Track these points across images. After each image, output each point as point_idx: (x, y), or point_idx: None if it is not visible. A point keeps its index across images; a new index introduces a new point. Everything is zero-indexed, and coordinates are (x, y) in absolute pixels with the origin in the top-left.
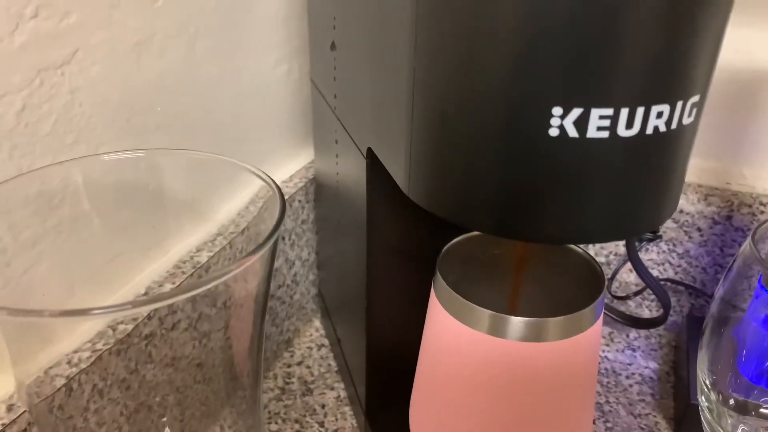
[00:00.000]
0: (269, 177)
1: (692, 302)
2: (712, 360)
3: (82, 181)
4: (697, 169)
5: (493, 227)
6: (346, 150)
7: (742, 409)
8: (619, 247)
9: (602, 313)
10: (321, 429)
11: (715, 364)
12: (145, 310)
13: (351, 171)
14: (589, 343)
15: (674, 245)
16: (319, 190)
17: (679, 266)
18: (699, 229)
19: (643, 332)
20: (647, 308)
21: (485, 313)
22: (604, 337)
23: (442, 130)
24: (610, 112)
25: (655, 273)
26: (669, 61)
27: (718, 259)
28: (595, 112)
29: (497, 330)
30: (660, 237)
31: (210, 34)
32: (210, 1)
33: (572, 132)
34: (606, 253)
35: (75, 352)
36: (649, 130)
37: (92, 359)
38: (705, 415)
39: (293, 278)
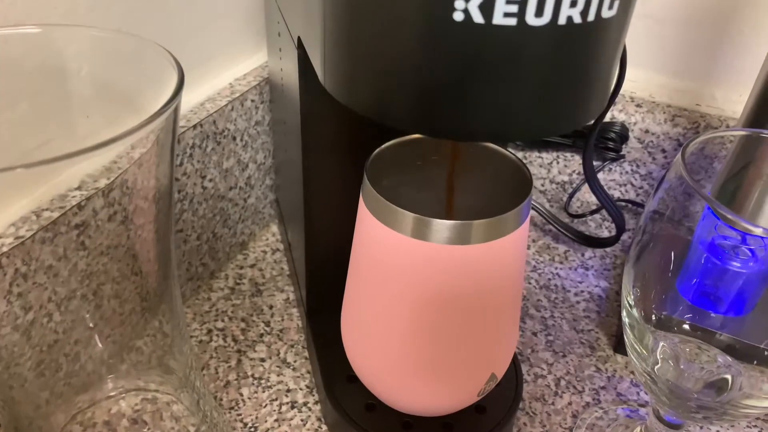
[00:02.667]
0: (170, 53)
1: None
2: (638, 276)
3: None
4: (667, 88)
5: (405, 121)
6: (286, 42)
7: (664, 326)
8: None
9: (528, 217)
10: (266, 328)
11: (640, 281)
12: (15, 176)
13: (289, 66)
14: (513, 246)
15: (637, 166)
16: (272, 90)
17: (641, 188)
18: (663, 151)
19: (598, 252)
20: (607, 229)
21: (409, 216)
22: (558, 255)
23: (352, 17)
24: None
25: (616, 194)
26: None
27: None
28: None
29: (422, 233)
30: (623, 157)
31: None
32: None
33: (477, 17)
34: (569, 171)
35: None
36: (562, 20)
37: (14, 244)
38: (627, 332)
39: (246, 181)
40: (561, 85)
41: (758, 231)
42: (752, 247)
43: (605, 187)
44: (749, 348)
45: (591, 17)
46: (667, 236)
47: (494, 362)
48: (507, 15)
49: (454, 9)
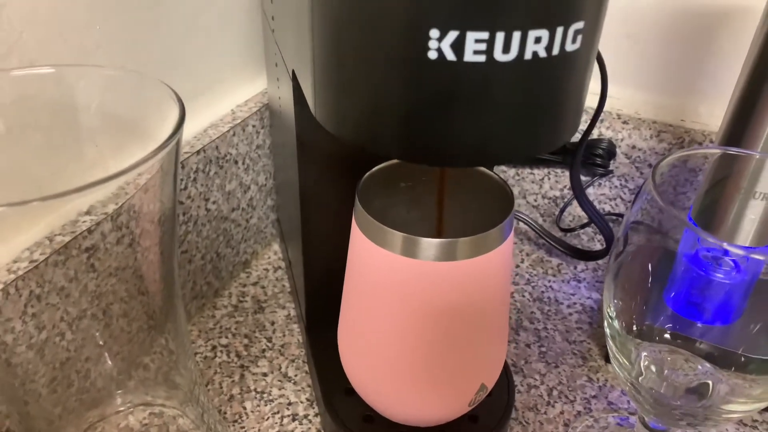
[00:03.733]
0: (173, 90)
1: None
2: (618, 288)
3: (4, 98)
4: (652, 105)
5: (392, 150)
6: (282, 73)
7: (646, 336)
8: None
9: (512, 234)
10: (269, 344)
11: (620, 292)
12: (31, 208)
13: (286, 95)
14: (497, 261)
15: (626, 181)
16: (272, 115)
17: (630, 201)
18: (650, 165)
19: (591, 265)
20: (599, 242)
21: (398, 236)
22: (551, 268)
23: (337, 54)
24: (485, 35)
25: (607, 208)
26: None
27: (670, 197)
28: (471, 36)
29: (410, 251)
30: (611, 172)
31: None
32: None
33: (450, 55)
34: (560, 187)
35: (15, 261)
36: (528, 56)
37: (29, 268)
38: (609, 342)
39: (249, 202)
40: (531, 113)
41: (735, 249)
42: (735, 258)
43: (596, 201)
44: (727, 354)
45: (555, 51)
46: (645, 247)
47: (484, 373)
48: (476, 52)
49: (428, 48)
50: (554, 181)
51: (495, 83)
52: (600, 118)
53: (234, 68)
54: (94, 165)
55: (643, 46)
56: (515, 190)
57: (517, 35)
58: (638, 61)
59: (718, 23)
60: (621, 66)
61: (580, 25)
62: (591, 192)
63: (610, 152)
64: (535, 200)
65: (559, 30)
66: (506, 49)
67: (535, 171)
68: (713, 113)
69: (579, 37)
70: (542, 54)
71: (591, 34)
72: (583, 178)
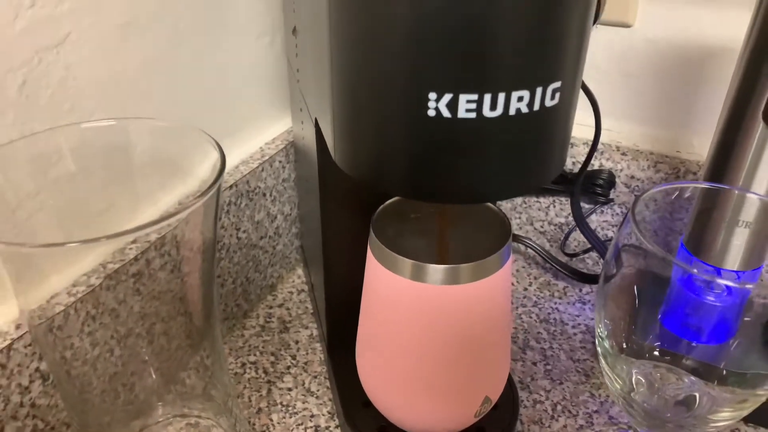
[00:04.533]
0: (213, 138)
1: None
2: (607, 309)
3: (70, 144)
4: (649, 137)
5: (400, 190)
6: (306, 117)
7: (635, 353)
8: None
9: (510, 260)
10: (293, 361)
11: (610, 313)
12: (106, 249)
13: (309, 136)
14: (497, 284)
15: (626, 208)
16: (297, 151)
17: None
18: None
19: (595, 287)
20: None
21: (408, 263)
22: (558, 291)
23: (353, 109)
24: (475, 97)
25: (609, 234)
26: (525, 55)
27: (668, 223)
28: (463, 97)
29: (419, 276)
30: (612, 200)
31: (193, 13)
32: None
33: (446, 113)
34: (565, 214)
35: (73, 285)
36: (512, 112)
37: (86, 291)
38: (601, 361)
39: (275, 230)
40: (518, 158)
41: (727, 278)
42: (726, 282)
43: (599, 228)
44: (711, 369)
45: (536, 107)
46: (632, 270)
47: (488, 386)
48: (468, 110)
49: (427, 108)
50: (559, 209)
51: (484, 135)
52: (600, 150)
53: (262, 111)
54: (144, 198)
55: (639, 83)
56: (523, 217)
57: (502, 95)
58: (635, 97)
59: (705, 62)
60: (619, 101)
61: (557, 84)
62: (594, 219)
63: (610, 182)
64: (542, 226)
65: (539, 90)
66: (493, 107)
67: (541, 199)
68: (705, 145)
69: (557, 94)
70: (525, 110)
71: (569, 90)
72: (586, 206)
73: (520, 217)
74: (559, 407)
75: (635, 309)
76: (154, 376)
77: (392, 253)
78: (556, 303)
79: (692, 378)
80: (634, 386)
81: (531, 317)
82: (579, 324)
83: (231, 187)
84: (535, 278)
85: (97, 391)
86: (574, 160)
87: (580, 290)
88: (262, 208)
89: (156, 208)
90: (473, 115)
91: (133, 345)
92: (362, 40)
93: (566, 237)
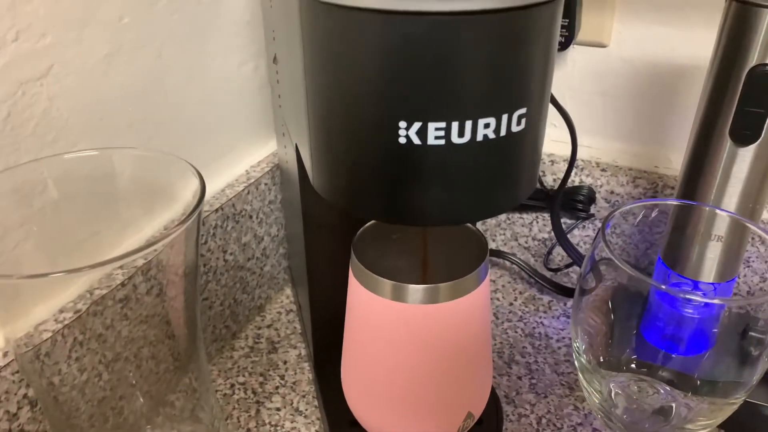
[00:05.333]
0: (192, 166)
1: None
2: (583, 323)
3: (54, 174)
4: (628, 153)
5: (374, 214)
6: (289, 142)
7: (612, 367)
8: None
9: (488, 277)
10: (282, 381)
11: (585, 327)
12: (91, 276)
13: (292, 160)
14: (476, 302)
15: None
16: (282, 174)
17: (610, 242)
18: None
19: None
20: None
21: (388, 283)
22: (543, 305)
23: (328, 137)
24: (443, 125)
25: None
26: (490, 85)
27: (647, 237)
28: (432, 125)
29: (398, 296)
30: (593, 216)
31: (176, 42)
32: (174, 14)
33: (416, 140)
34: (548, 230)
35: (60, 312)
36: (479, 138)
37: (73, 318)
38: (579, 375)
39: (263, 252)
40: (487, 182)
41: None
42: (705, 293)
43: (581, 243)
44: (685, 379)
45: (503, 133)
46: (606, 284)
47: (470, 402)
48: (437, 137)
49: (398, 135)
50: (542, 225)
51: (454, 161)
52: (581, 166)
53: (248, 135)
54: (128, 225)
55: (616, 101)
56: (507, 233)
57: (469, 123)
58: (613, 114)
59: (677, 80)
60: (598, 119)
61: (523, 110)
62: (576, 234)
63: (591, 198)
64: (526, 242)
65: (504, 116)
66: (461, 134)
67: (525, 215)
68: (681, 161)
69: (523, 120)
70: (491, 136)
71: (535, 115)
72: (568, 221)
73: (504, 233)
74: (543, 420)
75: (611, 322)
76: (142, 400)
77: (372, 275)
78: (540, 317)
79: (668, 389)
80: (613, 399)
81: (516, 332)
82: (563, 338)
83: (216, 210)
84: (520, 293)
85: (85, 415)
86: (554, 176)
87: (565, 304)
88: (249, 230)
89: (141, 235)
90: (442, 142)
91: (120, 369)
92: (334, 72)
93: (549, 252)
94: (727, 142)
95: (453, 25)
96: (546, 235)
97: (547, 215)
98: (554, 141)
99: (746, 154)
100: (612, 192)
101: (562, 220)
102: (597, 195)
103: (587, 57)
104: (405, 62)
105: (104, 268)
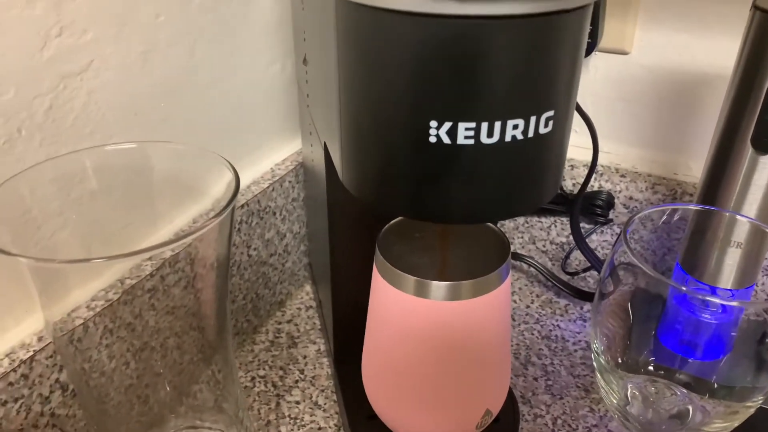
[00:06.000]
0: (227, 161)
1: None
2: (603, 325)
3: (93, 165)
4: (647, 160)
5: (403, 211)
6: (315, 140)
7: (630, 369)
8: None
9: (509, 277)
10: (301, 375)
11: (605, 329)
12: (124, 265)
13: (318, 158)
14: (497, 300)
15: None
16: (306, 172)
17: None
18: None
19: None
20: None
21: (411, 279)
22: (559, 309)
23: (360, 136)
24: (473, 125)
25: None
26: (520, 87)
27: (665, 242)
28: (462, 125)
29: (422, 292)
30: (611, 221)
31: (208, 41)
32: (207, 14)
33: (446, 139)
34: (566, 233)
35: (92, 300)
36: (508, 138)
37: (105, 306)
38: (597, 376)
39: (284, 248)
40: (513, 182)
41: (714, 299)
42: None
43: (599, 247)
44: (702, 383)
45: (531, 134)
46: (626, 287)
47: (488, 399)
48: (467, 137)
49: (429, 134)
50: (560, 229)
51: (482, 160)
52: (600, 172)
53: (273, 133)
54: (160, 217)
55: (636, 108)
56: (525, 237)
57: (498, 124)
58: (633, 121)
59: (698, 88)
60: (618, 125)
61: (550, 113)
62: (594, 239)
63: (609, 203)
64: (544, 246)
65: (533, 118)
66: (490, 134)
67: (543, 219)
68: (701, 167)
69: (551, 122)
70: (519, 137)
71: (562, 118)
72: (586, 226)
73: (522, 237)
74: (559, 421)
75: (630, 325)
76: (167, 389)
77: (397, 271)
78: (557, 320)
79: (685, 392)
80: (630, 400)
81: (533, 334)
82: (579, 341)
83: (242, 206)
84: (537, 296)
85: (113, 402)
86: (574, 181)
87: (581, 308)
88: (272, 227)
89: (173, 226)
90: (471, 141)
91: (147, 358)
92: (368, 72)
93: (567, 256)
94: (749, 150)
95: (485, 29)
96: (564, 239)
97: (564, 219)
98: (574, 146)
99: (767, 162)
100: (631, 198)
101: (581, 225)
102: (616, 200)
103: (609, 63)
104: (437, 64)
105: (141, 256)
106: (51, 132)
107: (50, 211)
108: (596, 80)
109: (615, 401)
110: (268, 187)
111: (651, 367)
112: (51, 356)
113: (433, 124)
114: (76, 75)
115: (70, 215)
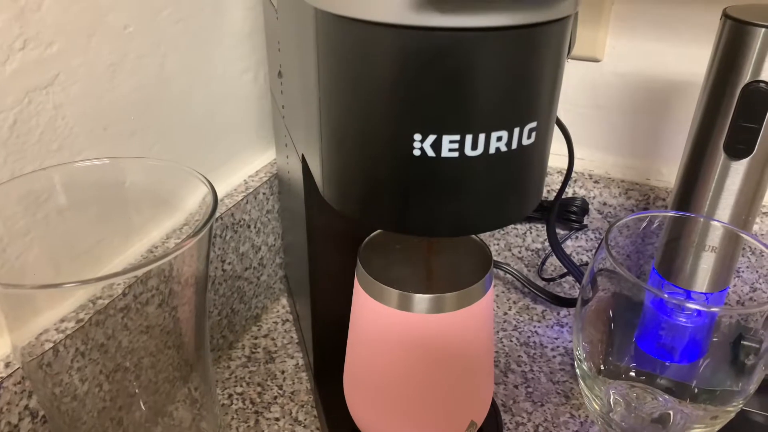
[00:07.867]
0: (205, 177)
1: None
2: (585, 332)
3: (63, 182)
4: (620, 166)
5: (387, 225)
6: (291, 152)
7: (612, 374)
8: None
9: (492, 287)
10: (280, 391)
11: (587, 336)
12: (96, 285)
13: (295, 170)
14: (480, 312)
15: (600, 234)
16: (281, 183)
17: None
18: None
19: (572, 311)
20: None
21: (394, 292)
22: (537, 315)
23: (342, 149)
24: (457, 137)
25: (584, 258)
26: (502, 99)
27: (639, 247)
28: (446, 138)
29: (404, 305)
30: (586, 226)
31: (179, 51)
32: (177, 24)
33: (430, 152)
34: (542, 240)
35: (62, 321)
36: (492, 150)
37: (76, 328)
38: (580, 382)
39: (260, 261)
40: (497, 194)
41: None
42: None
43: (575, 253)
44: (683, 387)
45: (514, 146)
46: (608, 294)
47: (473, 410)
48: (451, 150)
49: (413, 147)
50: (536, 235)
51: (466, 173)
52: (574, 178)
53: (246, 144)
54: (132, 233)
55: (609, 114)
56: (501, 243)
57: (482, 136)
58: (607, 127)
59: (670, 94)
60: (592, 132)
61: (533, 124)
62: (569, 244)
63: (584, 209)
64: (520, 252)
65: (516, 130)
66: (474, 146)
67: (519, 226)
68: (673, 173)
69: (533, 134)
70: (503, 149)
71: (544, 129)
72: (561, 232)
73: (498, 244)
74: (541, 429)
75: (611, 331)
76: (143, 409)
77: (379, 284)
78: (535, 326)
79: (666, 396)
80: (612, 406)
81: (512, 341)
82: (558, 347)
83: (216, 220)
84: (515, 302)
85: (86, 426)
86: (549, 188)
87: (558, 314)
88: (247, 240)
89: (146, 240)
90: (456, 154)
91: (121, 379)
92: (350, 84)
93: (543, 262)
94: (721, 156)
95: (468, 41)
96: (539, 246)
97: (540, 226)
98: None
99: (739, 168)
100: (605, 203)
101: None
102: (590, 206)
103: (581, 71)
104: (421, 76)
105: (115, 279)
106: (16, 148)
107: (16, 230)
108: (569, 88)
109: (598, 407)
110: (242, 200)
111: (632, 373)
112: (19, 382)
113: (417, 137)
114: (41, 89)
115: (37, 234)
